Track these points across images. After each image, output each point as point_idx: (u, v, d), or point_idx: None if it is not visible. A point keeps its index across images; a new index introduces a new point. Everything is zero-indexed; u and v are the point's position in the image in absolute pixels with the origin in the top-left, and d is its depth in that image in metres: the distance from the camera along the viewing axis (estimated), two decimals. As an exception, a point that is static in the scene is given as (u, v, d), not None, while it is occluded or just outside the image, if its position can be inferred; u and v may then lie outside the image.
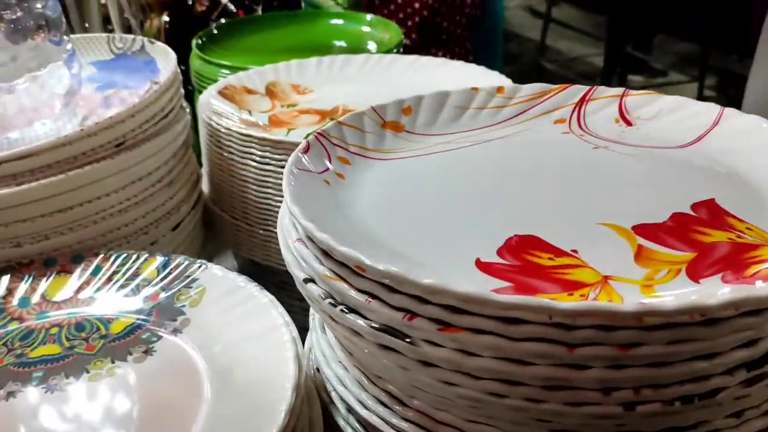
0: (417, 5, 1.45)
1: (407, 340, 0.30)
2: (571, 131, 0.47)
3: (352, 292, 0.31)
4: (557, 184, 0.40)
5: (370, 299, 0.31)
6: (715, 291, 0.27)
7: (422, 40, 1.57)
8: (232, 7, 1.13)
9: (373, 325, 0.31)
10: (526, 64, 3.36)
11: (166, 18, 1.07)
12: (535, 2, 4.11)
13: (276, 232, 0.58)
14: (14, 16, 0.52)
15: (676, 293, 0.29)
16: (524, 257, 0.33)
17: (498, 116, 0.49)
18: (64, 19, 0.56)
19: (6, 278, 0.47)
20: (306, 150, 0.41)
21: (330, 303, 0.33)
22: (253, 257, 0.63)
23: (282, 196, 0.37)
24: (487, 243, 0.34)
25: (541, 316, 0.27)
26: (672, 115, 0.46)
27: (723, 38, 2.74)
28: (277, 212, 0.59)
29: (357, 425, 0.37)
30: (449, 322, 0.29)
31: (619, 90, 0.49)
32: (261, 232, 0.61)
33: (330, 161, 0.42)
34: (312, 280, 0.34)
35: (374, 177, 0.41)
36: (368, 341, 0.32)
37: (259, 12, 1.15)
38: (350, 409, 0.37)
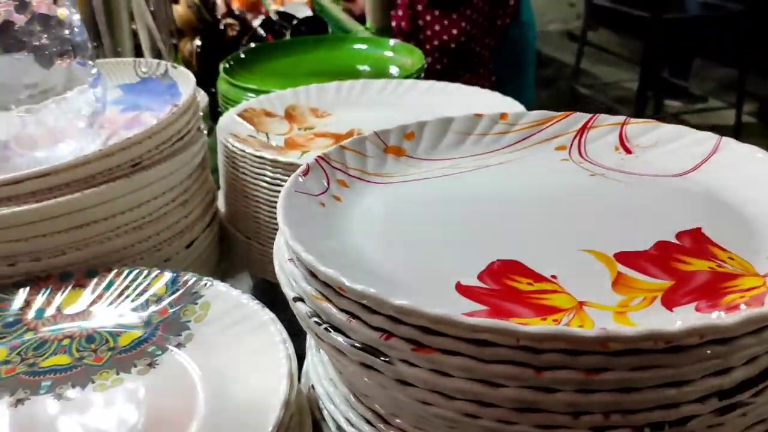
0: (455, 31, 1.48)
1: (385, 359, 0.31)
2: (570, 158, 0.48)
3: (335, 312, 0.32)
4: (548, 210, 0.41)
5: (351, 319, 0.32)
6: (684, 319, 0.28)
7: (453, 64, 1.59)
8: (261, 31, 1.17)
9: (354, 344, 0.32)
10: (561, 89, 3.36)
11: (198, 42, 1.11)
12: (573, 26, 4.10)
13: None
14: (39, 42, 0.55)
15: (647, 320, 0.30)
16: (504, 282, 0.34)
17: (500, 142, 0.50)
18: (89, 44, 0.59)
19: (25, 291, 0.49)
20: (305, 173, 0.43)
21: (316, 321, 0.34)
22: (264, 276, 0.64)
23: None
24: (470, 267, 0.35)
25: (509, 339, 0.28)
26: (671, 143, 0.46)
27: (764, 63, 2.70)
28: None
29: (346, 445, 0.38)
30: (423, 343, 0.30)
31: (621, 118, 0.49)
32: (271, 251, 0.62)
33: (329, 184, 0.43)
34: (301, 299, 0.35)
35: (371, 200, 0.43)
36: (351, 359, 0.33)
37: (288, 37, 1.18)
38: (339, 427, 0.38)
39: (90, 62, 0.58)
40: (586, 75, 3.50)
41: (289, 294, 0.36)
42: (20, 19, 0.52)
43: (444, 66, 1.62)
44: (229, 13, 1.18)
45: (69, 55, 0.56)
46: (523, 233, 0.38)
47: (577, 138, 0.49)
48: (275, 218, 0.61)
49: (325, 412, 0.40)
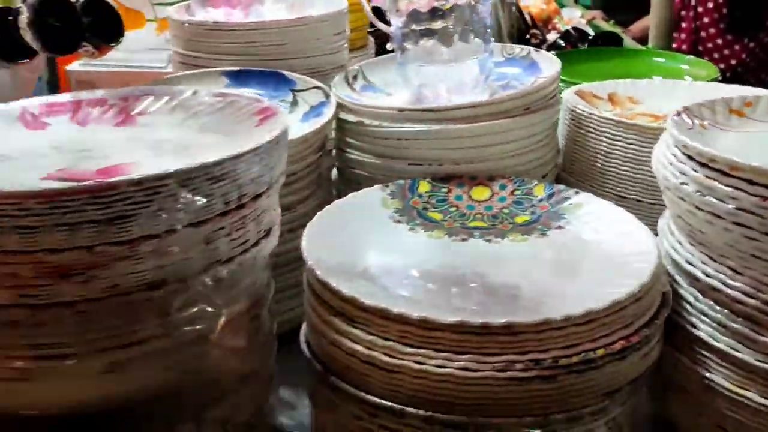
0: (733, 61, 1.55)
1: (759, 217, 0.47)
2: None
3: (720, 186, 0.49)
4: None
5: (735, 189, 0.48)
6: None
7: (724, 91, 1.66)
8: (561, 42, 1.36)
9: (734, 207, 0.49)
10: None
11: (509, 46, 1.34)
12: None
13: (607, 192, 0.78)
14: (456, 26, 0.78)
15: None
16: None
17: (821, 117, 0.64)
18: (490, 28, 0.81)
19: (446, 184, 0.71)
20: (677, 114, 0.60)
21: (700, 194, 0.51)
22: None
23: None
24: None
25: None
26: None
27: None
28: (617, 176, 0.79)
29: (696, 293, 0.54)
30: (793, 204, 0.46)
31: None
32: (598, 190, 0.80)
33: (693, 125, 0.60)
34: (685, 183, 0.53)
35: (724, 138, 0.59)
36: (726, 221, 0.49)
37: (585, 47, 1.37)
38: (694, 281, 0.55)
39: (490, 40, 0.81)
40: None
41: (674, 181, 0.54)
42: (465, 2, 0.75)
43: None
44: (534, 25, 1.40)
45: (478, 33, 0.79)
46: None
47: None
48: (610, 165, 0.80)
49: (677, 276, 0.57)
